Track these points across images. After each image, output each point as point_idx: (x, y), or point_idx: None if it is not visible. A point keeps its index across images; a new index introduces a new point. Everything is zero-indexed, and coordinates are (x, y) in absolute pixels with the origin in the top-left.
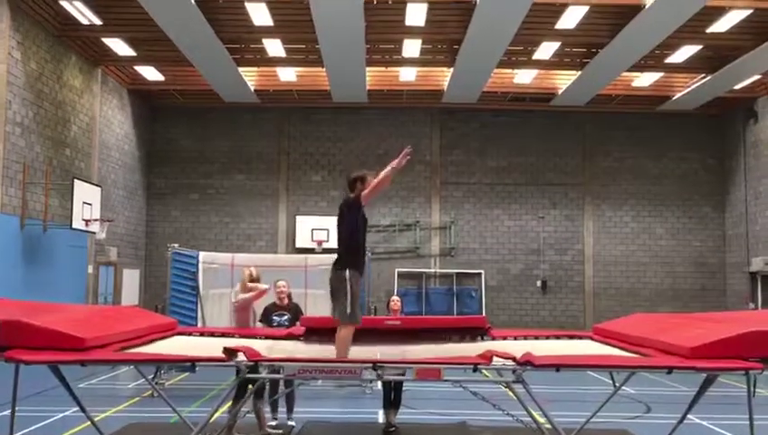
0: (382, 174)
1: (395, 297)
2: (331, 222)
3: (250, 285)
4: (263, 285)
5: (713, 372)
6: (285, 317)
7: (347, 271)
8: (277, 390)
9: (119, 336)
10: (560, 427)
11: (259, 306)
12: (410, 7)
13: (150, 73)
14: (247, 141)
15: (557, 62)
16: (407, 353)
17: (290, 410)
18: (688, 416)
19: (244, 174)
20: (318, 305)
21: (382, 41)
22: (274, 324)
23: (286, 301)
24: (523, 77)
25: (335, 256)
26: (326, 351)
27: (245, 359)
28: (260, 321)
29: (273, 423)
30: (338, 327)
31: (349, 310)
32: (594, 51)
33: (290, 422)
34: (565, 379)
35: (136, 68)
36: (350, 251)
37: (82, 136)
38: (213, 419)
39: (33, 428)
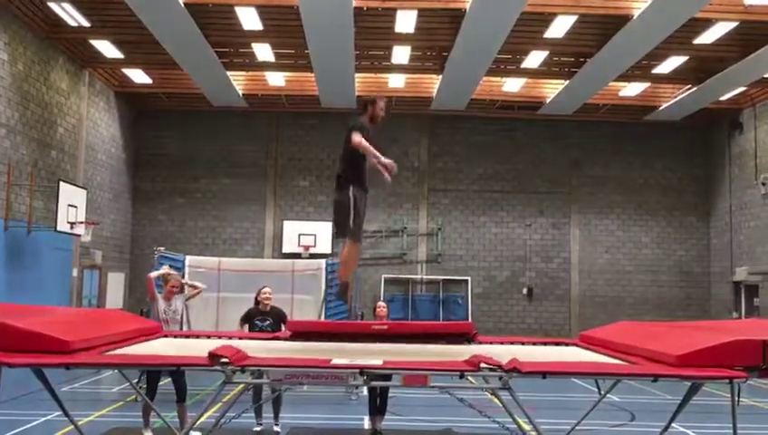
0: (375, 154)
1: (381, 303)
2: (319, 227)
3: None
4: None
5: (698, 381)
6: (267, 323)
7: (350, 188)
8: (260, 395)
9: (103, 339)
10: (545, 434)
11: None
12: (400, 14)
13: (138, 76)
14: (235, 146)
15: (545, 71)
16: (393, 355)
17: (276, 415)
18: (673, 424)
19: (232, 178)
20: (304, 310)
21: (372, 47)
22: (256, 329)
23: (269, 307)
24: (512, 85)
25: (339, 174)
26: (312, 353)
27: (230, 363)
28: (241, 323)
29: (258, 429)
30: (342, 247)
31: (351, 226)
32: (582, 60)
33: (276, 428)
34: (551, 386)
35: (124, 70)
36: (354, 170)
37: (69, 138)
38: (198, 423)
39: (15, 431)
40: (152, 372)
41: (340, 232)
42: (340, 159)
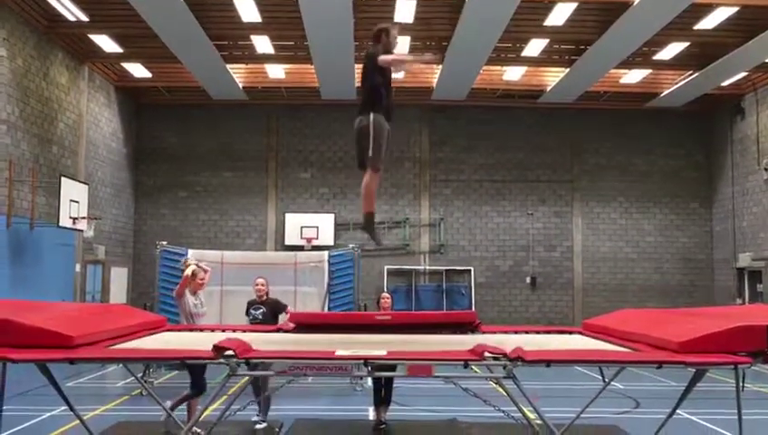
0: (408, 57)
1: (385, 294)
2: (321, 219)
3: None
4: (189, 270)
5: (702, 367)
6: (260, 311)
7: (371, 114)
8: (265, 387)
9: (107, 334)
10: (550, 422)
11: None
12: (399, 4)
13: (138, 70)
14: (236, 139)
15: (545, 60)
16: (397, 345)
17: (264, 412)
18: (677, 411)
19: (233, 171)
20: (308, 303)
21: (371, 37)
22: (250, 317)
23: (264, 297)
24: (512, 74)
25: (360, 105)
26: (316, 344)
27: (235, 356)
28: (246, 314)
29: (260, 427)
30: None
31: (371, 153)
32: (582, 48)
33: (261, 425)
34: (555, 374)
35: (123, 65)
36: (374, 98)
37: (69, 133)
38: (203, 416)
39: (21, 427)
40: (193, 366)
41: (360, 161)
42: (362, 89)
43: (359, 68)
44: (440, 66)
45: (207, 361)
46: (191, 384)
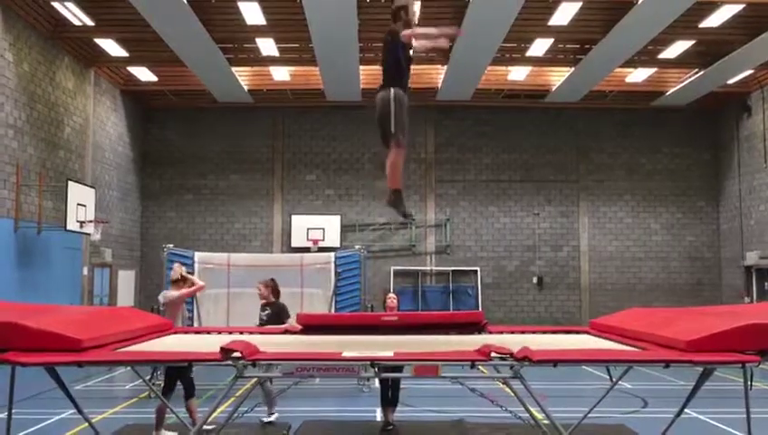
0: (431, 30)
1: (391, 295)
2: (327, 221)
3: (191, 278)
4: (199, 281)
5: (710, 366)
6: (267, 312)
7: (391, 90)
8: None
9: (115, 337)
10: (558, 423)
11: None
12: None
13: (143, 74)
14: (241, 141)
15: (550, 59)
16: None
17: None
18: (685, 410)
19: (239, 174)
20: (314, 304)
21: (376, 39)
22: (258, 319)
23: (266, 300)
24: (517, 74)
25: (380, 84)
26: (323, 346)
27: (242, 358)
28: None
29: (270, 419)
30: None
31: (393, 129)
32: (587, 47)
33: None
34: (562, 374)
35: (129, 69)
36: (396, 74)
37: (76, 137)
38: (211, 418)
39: (29, 430)
40: (171, 368)
41: (384, 138)
42: (382, 69)
43: (364, 69)
44: (445, 66)
45: (215, 363)
46: (166, 388)
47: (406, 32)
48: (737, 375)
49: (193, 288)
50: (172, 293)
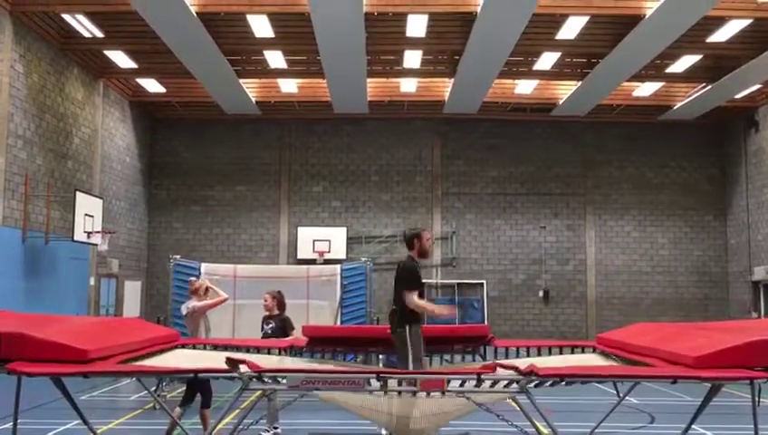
0: (429, 307)
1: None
2: (333, 233)
3: (215, 288)
4: (223, 293)
5: (717, 382)
6: (271, 326)
7: (406, 327)
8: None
9: (121, 348)
10: None
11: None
12: (411, 19)
13: (152, 86)
14: (248, 153)
15: (558, 73)
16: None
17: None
18: (693, 426)
19: (246, 185)
20: (320, 316)
21: (383, 52)
22: (262, 332)
23: (269, 312)
24: (524, 87)
25: (394, 312)
26: (328, 362)
27: (249, 370)
28: (261, 330)
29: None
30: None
31: (411, 366)
32: (594, 61)
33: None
34: (568, 389)
35: (137, 80)
36: (410, 310)
37: (84, 148)
38: (216, 430)
39: None
40: (191, 379)
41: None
42: (395, 299)
43: (371, 82)
44: (452, 79)
45: (221, 375)
46: (186, 397)
47: (410, 302)
48: (745, 391)
49: (216, 299)
50: (195, 303)
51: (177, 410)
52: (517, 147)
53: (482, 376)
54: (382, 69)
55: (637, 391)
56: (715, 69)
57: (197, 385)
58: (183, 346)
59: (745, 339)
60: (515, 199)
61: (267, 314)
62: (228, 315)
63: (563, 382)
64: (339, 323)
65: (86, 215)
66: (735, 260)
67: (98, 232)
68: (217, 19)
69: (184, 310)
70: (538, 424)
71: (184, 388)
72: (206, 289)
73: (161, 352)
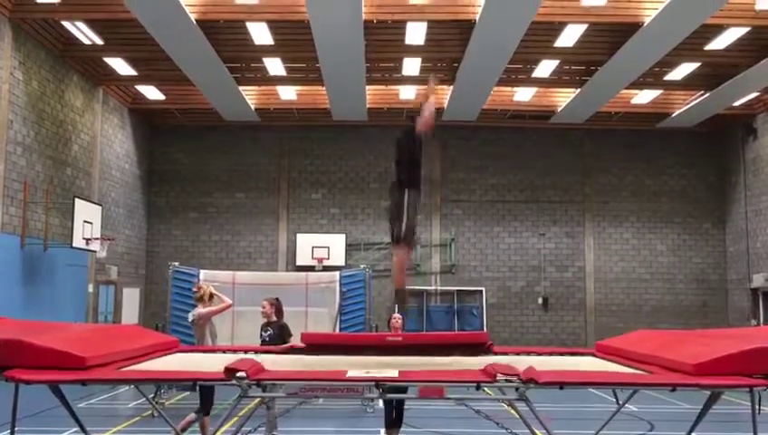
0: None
1: (396, 314)
2: (332, 240)
3: (219, 294)
4: (227, 299)
5: (717, 389)
6: (268, 333)
7: (406, 193)
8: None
9: (119, 355)
10: None
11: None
12: (410, 26)
13: (151, 93)
14: (247, 160)
15: (556, 80)
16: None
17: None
18: (692, 434)
19: (245, 192)
20: (319, 323)
21: (382, 59)
22: (261, 339)
23: (267, 319)
24: (523, 95)
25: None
26: (327, 366)
27: (247, 377)
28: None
29: None
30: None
31: (403, 235)
32: (593, 69)
33: None
34: (567, 396)
35: (137, 87)
36: (411, 174)
37: (83, 155)
38: None
39: None
40: (204, 386)
41: (391, 233)
42: (395, 165)
43: (370, 89)
44: (451, 87)
45: (219, 382)
46: (201, 404)
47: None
48: (745, 399)
49: (220, 306)
50: (200, 310)
51: (192, 415)
52: (516, 154)
53: (481, 383)
54: (381, 76)
55: (636, 399)
56: (714, 77)
57: (211, 393)
58: (182, 352)
59: (745, 346)
60: (514, 206)
61: (266, 320)
62: (227, 322)
63: (561, 388)
64: (338, 330)
65: (85, 221)
66: (734, 268)
67: (97, 239)
68: (217, 26)
69: (190, 317)
70: (537, 432)
71: (183, 395)
72: (211, 295)
73: (160, 358)
